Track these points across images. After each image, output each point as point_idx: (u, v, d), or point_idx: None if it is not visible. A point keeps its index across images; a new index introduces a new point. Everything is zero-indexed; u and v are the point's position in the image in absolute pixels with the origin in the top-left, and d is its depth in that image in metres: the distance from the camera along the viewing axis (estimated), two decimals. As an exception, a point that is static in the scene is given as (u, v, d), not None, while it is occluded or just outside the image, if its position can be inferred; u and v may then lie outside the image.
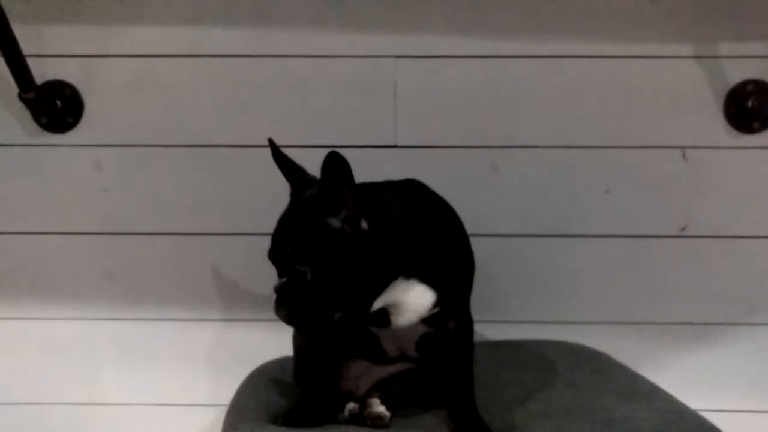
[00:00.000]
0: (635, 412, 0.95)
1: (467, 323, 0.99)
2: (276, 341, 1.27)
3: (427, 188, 0.98)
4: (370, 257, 0.83)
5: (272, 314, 1.33)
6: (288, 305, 0.86)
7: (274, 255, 0.86)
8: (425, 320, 0.95)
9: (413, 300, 0.90)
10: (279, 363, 1.22)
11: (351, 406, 1.02)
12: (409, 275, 0.88)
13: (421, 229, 0.89)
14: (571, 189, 1.32)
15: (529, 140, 1.31)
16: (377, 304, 0.88)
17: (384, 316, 0.91)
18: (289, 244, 0.85)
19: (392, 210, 0.88)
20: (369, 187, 0.88)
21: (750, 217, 1.33)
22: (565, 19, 1.28)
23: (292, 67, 1.29)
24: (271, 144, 0.93)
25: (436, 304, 0.92)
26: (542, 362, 1.19)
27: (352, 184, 0.81)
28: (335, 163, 0.78)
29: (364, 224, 0.82)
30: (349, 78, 1.29)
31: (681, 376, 1.33)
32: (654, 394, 1.05)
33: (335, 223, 0.82)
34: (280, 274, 0.87)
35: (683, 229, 1.33)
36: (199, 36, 1.30)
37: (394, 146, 1.31)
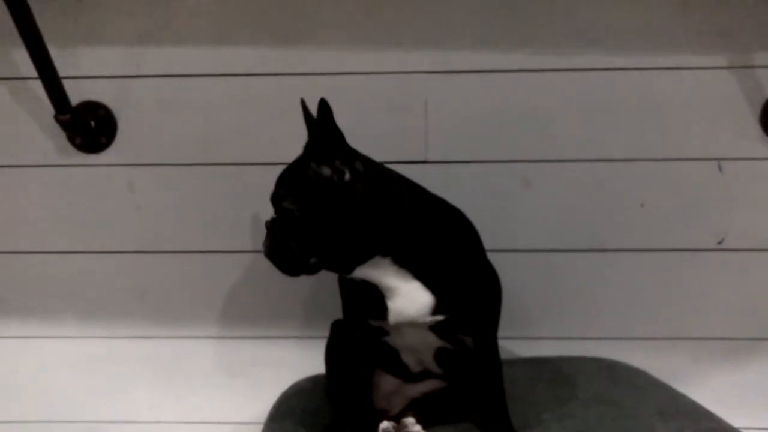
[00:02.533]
0: (678, 432, 0.93)
1: (490, 343, 0.99)
2: (308, 359, 1.29)
3: (451, 205, 1.00)
4: (353, 213, 0.88)
5: (303, 332, 1.35)
6: (271, 239, 0.91)
7: (273, 197, 0.93)
8: (434, 330, 0.95)
9: (405, 293, 0.92)
10: (312, 381, 1.22)
11: (385, 425, 1.02)
12: (397, 260, 0.91)
13: (420, 223, 0.92)
14: (605, 203, 1.30)
15: (561, 154, 1.30)
16: (360, 272, 0.91)
17: (380, 302, 0.93)
18: (283, 186, 0.92)
19: (391, 187, 0.92)
20: (386, 169, 0.95)
21: (789, 229, 1.30)
22: (596, 32, 1.27)
23: (322, 85, 1.30)
24: (303, 105, 0.99)
25: (437, 310, 0.92)
26: (580, 379, 1.16)
27: (339, 135, 0.87)
28: (328, 111, 0.85)
29: (347, 175, 0.87)
30: (379, 94, 1.30)
31: (721, 394, 1.30)
32: (696, 412, 1.02)
33: (325, 171, 0.88)
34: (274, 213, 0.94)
35: (720, 242, 1.30)
36: (230, 55, 1.31)
37: (425, 162, 1.30)
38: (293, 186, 0.90)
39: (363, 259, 0.90)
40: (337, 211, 0.88)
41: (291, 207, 0.89)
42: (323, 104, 0.84)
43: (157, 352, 1.36)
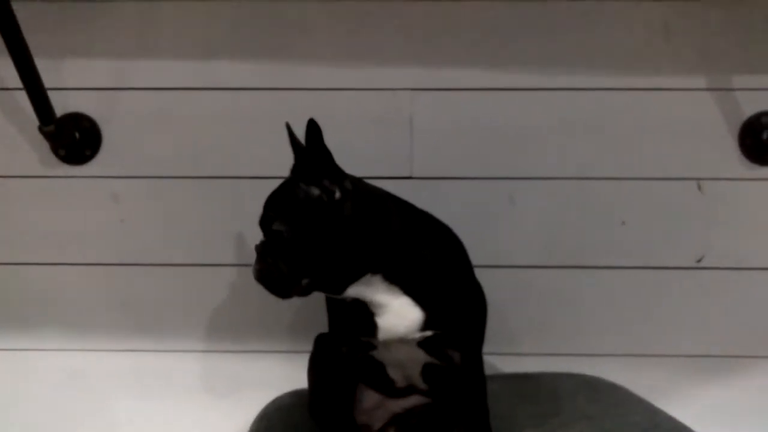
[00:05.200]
0: (657, 448, 0.94)
1: (476, 358, 0.99)
2: (291, 373, 1.29)
3: (439, 221, 1.00)
4: (343, 232, 0.88)
5: (288, 346, 1.35)
6: (261, 262, 0.90)
7: (261, 221, 0.92)
8: (423, 346, 0.96)
9: (395, 309, 0.92)
10: (294, 395, 1.22)
11: (365, 440, 1.01)
12: (388, 277, 0.91)
13: (410, 239, 0.92)
14: (588, 220, 1.32)
15: (544, 172, 1.31)
16: (351, 291, 0.91)
17: (369, 319, 0.93)
18: (271, 208, 0.91)
19: (380, 205, 0.93)
20: (373, 188, 0.95)
21: (767, 248, 1.32)
22: (580, 53, 1.30)
23: (308, 100, 1.30)
24: (288, 129, 0.98)
25: (427, 325, 0.93)
26: (560, 395, 1.17)
27: (328, 155, 0.88)
28: (317, 131, 0.85)
29: (338, 194, 0.88)
30: (365, 110, 1.30)
31: (700, 410, 1.31)
32: (676, 428, 1.03)
33: (314, 191, 0.88)
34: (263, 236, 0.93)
35: (700, 260, 1.32)
36: (216, 69, 1.31)
37: (410, 177, 1.31)
38: (282, 208, 0.90)
39: (354, 277, 0.90)
40: (327, 230, 0.88)
41: (281, 228, 0.88)
42: (312, 124, 0.85)
43: (140, 366, 1.35)
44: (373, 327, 0.93)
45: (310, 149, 0.87)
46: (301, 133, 0.99)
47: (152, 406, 1.36)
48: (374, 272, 0.90)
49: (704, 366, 1.34)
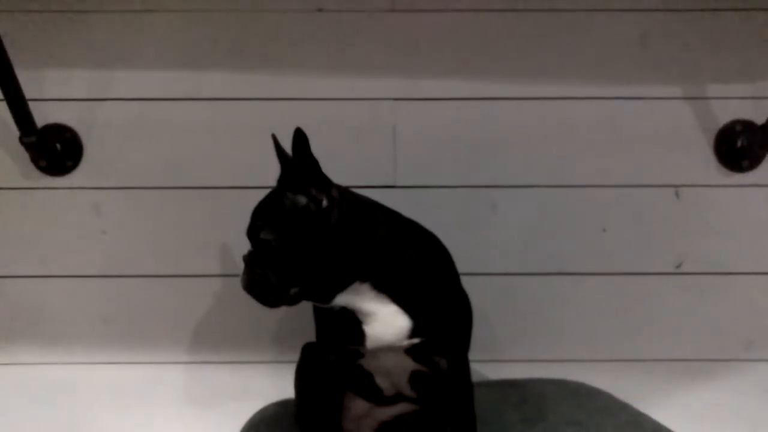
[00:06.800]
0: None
1: (462, 364, 1.00)
2: (276, 383, 1.29)
3: (426, 230, 1.01)
4: (331, 240, 0.88)
5: (273, 356, 1.34)
6: (250, 272, 0.90)
7: (249, 231, 0.93)
8: (410, 353, 0.96)
9: (383, 318, 0.93)
10: (280, 405, 1.21)
11: (354, 449, 1.02)
12: (376, 285, 0.91)
13: (398, 247, 0.93)
14: (569, 228, 1.34)
15: (526, 180, 1.33)
16: (340, 300, 0.91)
17: (357, 327, 0.93)
18: (259, 218, 0.92)
19: (367, 214, 0.93)
20: (360, 196, 0.96)
21: (744, 253, 1.34)
22: (560, 63, 1.32)
23: (291, 110, 1.31)
24: (274, 139, 0.99)
25: (414, 333, 0.93)
26: (544, 401, 1.18)
27: (315, 163, 0.88)
28: (304, 140, 0.86)
29: (325, 202, 0.88)
30: (348, 120, 1.31)
31: (678, 413, 1.34)
32: (659, 431, 1.05)
33: (301, 200, 0.89)
34: (251, 246, 0.93)
35: (679, 266, 1.35)
36: (198, 80, 1.31)
37: (394, 186, 1.32)
38: (270, 217, 0.91)
39: (343, 285, 0.90)
40: (315, 239, 0.88)
41: (269, 237, 0.89)
42: (299, 133, 0.85)
43: (124, 379, 1.34)
44: (360, 335, 0.93)
45: (298, 157, 0.87)
46: (286, 144, 1.00)
47: (137, 419, 1.34)
48: (363, 280, 0.91)
49: (685, 369, 1.36)
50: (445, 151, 1.33)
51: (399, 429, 1.04)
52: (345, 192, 0.93)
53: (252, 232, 0.92)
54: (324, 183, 0.89)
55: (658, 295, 1.35)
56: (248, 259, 0.92)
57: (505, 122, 1.32)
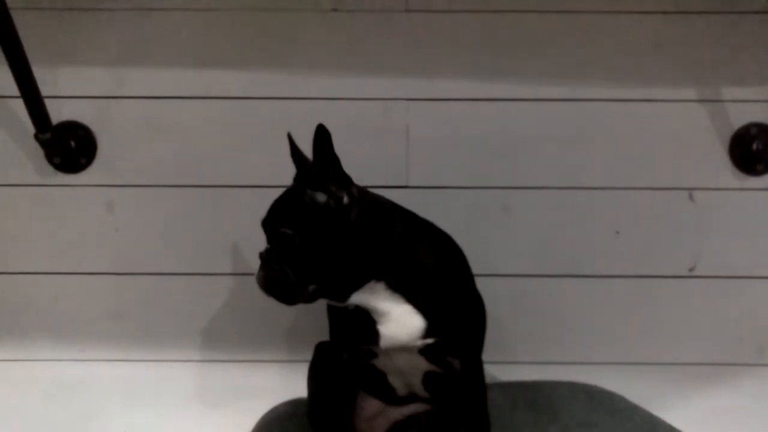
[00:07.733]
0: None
1: (476, 365, 1.00)
2: (288, 382, 1.28)
3: (441, 230, 1.01)
4: (350, 237, 0.88)
5: (285, 355, 1.34)
6: (267, 269, 0.90)
7: (265, 223, 0.93)
8: (424, 353, 0.96)
9: (397, 317, 0.92)
10: (292, 404, 1.22)
11: (366, 448, 1.01)
12: (391, 284, 0.91)
13: (413, 247, 0.93)
14: (582, 230, 1.33)
15: (540, 181, 1.33)
16: (355, 298, 0.91)
17: (371, 327, 0.93)
18: (277, 212, 0.92)
19: (385, 213, 0.94)
20: (377, 196, 0.96)
21: (757, 257, 1.34)
22: (573, 64, 1.31)
23: (304, 110, 1.31)
24: (290, 138, 0.99)
25: (428, 333, 0.93)
26: (558, 403, 1.18)
27: (336, 161, 0.88)
28: (326, 137, 0.86)
29: (346, 199, 0.88)
30: (361, 120, 1.31)
31: (690, 417, 1.32)
32: (674, 435, 1.04)
33: (321, 197, 0.89)
34: (268, 242, 0.93)
35: (692, 269, 1.34)
36: (212, 78, 1.32)
37: (406, 186, 1.32)
38: (289, 213, 0.91)
39: (359, 284, 0.90)
40: (334, 236, 0.88)
41: (290, 232, 0.88)
42: (321, 130, 0.85)
43: (136, 377, 1.34)
44: (374, 335, 0.93)
45: (319, 154, 0.87)
46: (299, 143, 1.00)
47: (148, 416, 1.35)
48: (378, 279, 0.91)
49: (697, 373, 1.35)
50: (458, 151, 1.33)
51: (412, 429, 1.04)
52: (362, 191, 0.93)
53: (271, 229, 0.92)
54: (344, 180, 0.89)
55: (671, 299, 1.34)
56: (265, 255, 0.92)
57: (518, 123, 1.32)
